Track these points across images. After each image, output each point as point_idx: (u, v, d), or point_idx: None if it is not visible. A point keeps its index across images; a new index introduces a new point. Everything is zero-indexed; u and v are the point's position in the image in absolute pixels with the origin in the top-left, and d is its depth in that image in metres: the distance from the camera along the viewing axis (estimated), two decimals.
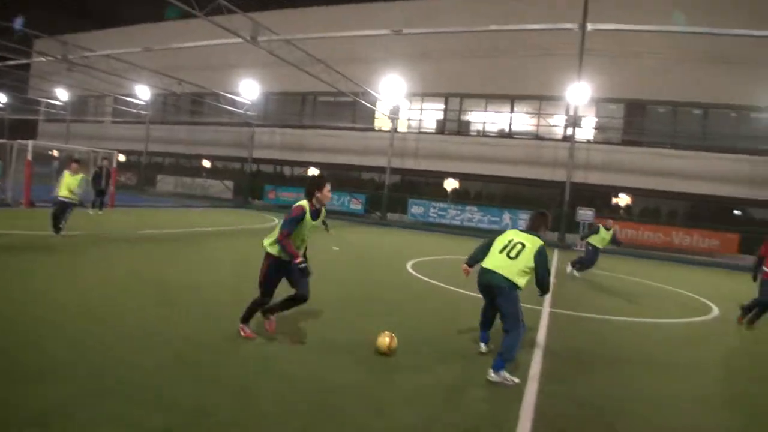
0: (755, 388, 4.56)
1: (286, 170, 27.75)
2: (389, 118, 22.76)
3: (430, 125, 24.45)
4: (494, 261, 4.25)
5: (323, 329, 4.83)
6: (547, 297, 7.16)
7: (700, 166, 20.07)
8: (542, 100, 22.15)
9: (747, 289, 7.67)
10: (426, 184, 24.11)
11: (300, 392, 3.32)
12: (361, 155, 24.02)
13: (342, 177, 25.02)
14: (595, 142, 21.88)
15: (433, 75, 22.76)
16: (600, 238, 10.16)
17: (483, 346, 4.58)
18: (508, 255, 4.18)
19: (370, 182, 24.68)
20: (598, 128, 22.34)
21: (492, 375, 3.85)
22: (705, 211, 20.73)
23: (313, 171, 25.88)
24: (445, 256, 11.97)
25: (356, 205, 23.23)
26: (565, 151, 20.54)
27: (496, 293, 4.14)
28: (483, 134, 23.34)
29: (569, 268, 10.60)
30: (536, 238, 4.27)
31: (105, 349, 3.67)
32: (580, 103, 19.64)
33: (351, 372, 3.80)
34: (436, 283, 8.16)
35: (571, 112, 20.33)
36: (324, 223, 4.95)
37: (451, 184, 23.47)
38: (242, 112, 25.73)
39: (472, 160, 22.42)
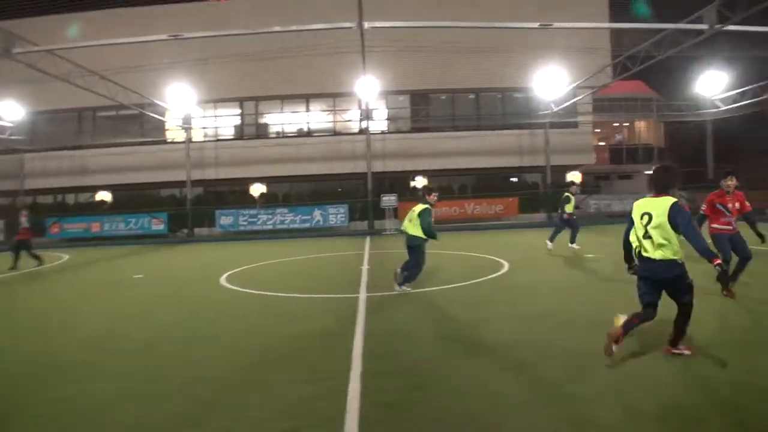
0: (554, 306, 6.75)
1: (69, 198, 28.84)
2: (182, 128, 25.67)
3: (228, 132, 27.99)
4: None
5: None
6: (363, 282, 9.49)
7: (477, 143, 26.89)
8: (336, 96, 27.08)
9: (531, 241, 11.22)
10: (231, 193, 27.39)
11: None
12: (156, 171, 26.25)
13: (137, 197, 26.96)
14: (389, 132, 27.40)
15: (224, 79, 25.98)
16: (572, 206, 13.05)
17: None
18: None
19: (171, 198, 27.00)
20: (390, 119, 28.07)
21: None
22: (488, 182, 27.82)
23: (103, 195, 27.54)
24: (261, 263, 13.31)
25: (158, 225, 25.55)
26: (362, 144, 25.68)
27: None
28: (283, 135, 27.57)
29: (550, 245, 13.00)
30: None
31: None
32: (370, 97, 24.97)
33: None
34: (252, 291, 9.17)
35: (364, 107, 25.73)
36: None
37: (258, 189, 27.20)
38: (4, 137, 26.13)
39: (275, 163, 26.17)
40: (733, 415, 3.56)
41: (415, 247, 8.36)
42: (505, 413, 3.71)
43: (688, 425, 3.44)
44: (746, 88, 24.78)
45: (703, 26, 14.80)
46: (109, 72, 21.43)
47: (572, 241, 13.01)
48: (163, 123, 24.91)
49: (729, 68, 25.06)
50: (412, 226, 8.28)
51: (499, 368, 4.67)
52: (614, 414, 3.60)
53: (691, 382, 4.14)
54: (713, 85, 25.05)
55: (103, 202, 27.37)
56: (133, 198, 27.00)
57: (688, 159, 37.09)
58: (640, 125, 37.84)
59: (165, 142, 26.31)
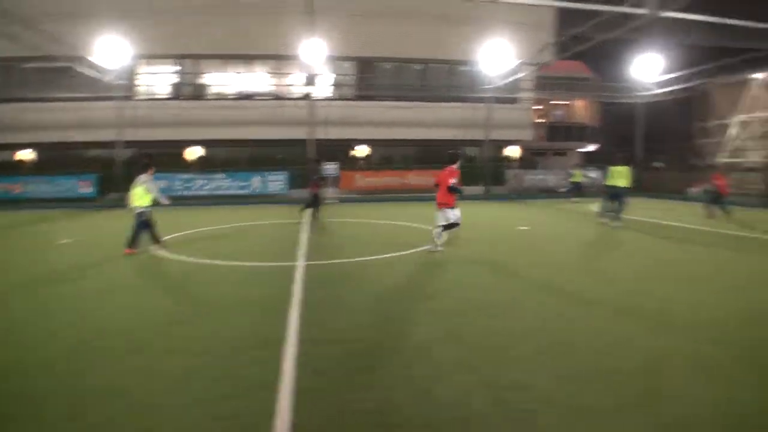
0: (466, 278, 7.27)
1: None
2: (115, 84, 24.17)
3: (164, 90, 26.74)
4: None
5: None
6: (301, 251, 9.51)
7: (422, 115, 26.87)
8: (279, 59, 26.35)
9: (467, 213, 11.53)
10: (166, 155, 26.40)
11: None
12: (85, 129, 24.71)
13: (62, 157, 25.45)
14: (332, 99, 26.97)
15: (163, 35, 24.36)
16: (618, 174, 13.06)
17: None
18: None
19: (100, 160, 25.75)
20: (334, 85, 27.72)
21: None
22: (431, 154, 28.02)
23: (26, 154, 25.83)
24: (196, 230, 12.88)
25: (86, 188, 24.33)
26: (305, 110, 25.29)
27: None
28: (222, 97, 26.73)
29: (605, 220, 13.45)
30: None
31: None
32: (315, 62, 24.43)
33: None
34: (186, 259, 8.91)
35: (308, 71, 25.16)
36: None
37: (194, 153, 26.36)
38: None
39: (213, 126, 25.14)
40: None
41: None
42: (439, 376, 3.83)
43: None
44: (677, 74, 25.94)
45: (644, 11, 15.29)
46: (34, 19, 19.87)
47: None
48: (94, 79, 23.30)
49: (664, 54, 26.11)
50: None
51: (436, 335, 4.77)
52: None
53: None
54: (648, 69, 26.07)
55: (25, 161, 25.72)
56: (58, 158, 25.42)
57: (620, 139, 38.70)
58: (577, 104, 39.04)
59: (97, 99, 24.67)
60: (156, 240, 9.67)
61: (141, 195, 9.33)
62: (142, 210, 9.37)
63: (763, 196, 20.49)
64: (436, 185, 9.30)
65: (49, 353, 4.40)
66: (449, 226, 9.30)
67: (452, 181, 8.96)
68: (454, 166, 9.16)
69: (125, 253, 9.26)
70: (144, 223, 9.46)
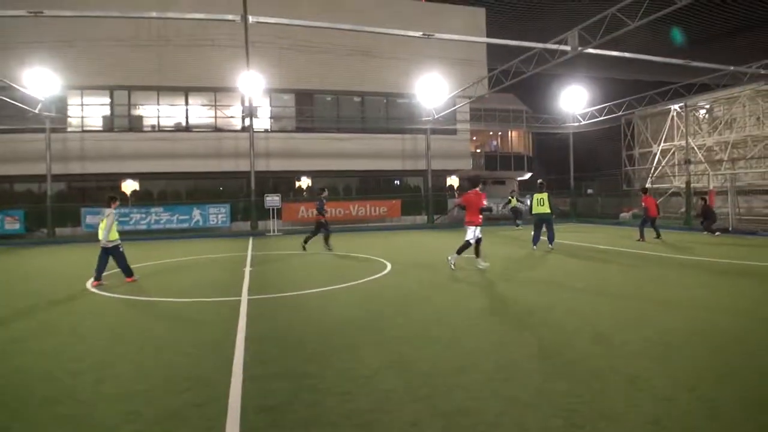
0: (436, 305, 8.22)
1: None
2: (43, 116, 23.18)
3: (96, 122, 25.90)
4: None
5: None
6: (245, 285, 9.36)
7: (362, 146, 27.26)
8: (217, 91, 26.13)
9: (412, 242, 11.70)
10: (99, 189, 25.42)
11: None
12: (11, 163, 23.69)
13: None
14: (273, 131, 26.98)
15: (93, 65, 23.86)
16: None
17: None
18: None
19: (27, 194, 24.53)
20: (274, 117, 27.62)
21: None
22: (372, 184, 28.39)
23: None
24: (134, 266, 11.50)
25: (12, 224, 23.04)
26: (245, 142, 24.91)
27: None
28: (158, 129, 26.12)
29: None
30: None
31: None
32: (254, 94, 24.35)
33: None
34: (123, 296, 8.63)
35: (247, 103, 25.04)
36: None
37: (130, 186, 25.54)
38: None
39: (150, 158, 24.49)
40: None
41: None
42: (389, 409, 3.83)
43: None
44: (603, 105, 27.56)
45: (566, 47, 16.27)
46: None
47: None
48: (19, 109, 22.26)
49: (589, 87, 27.77)
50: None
51: (385, 366, 4.79)
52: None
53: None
54: (575, 101, 27.61)
55: None
56: None
57: (553, 167, 40.49)
58: (512, 135, 40.63)
59: (22, 130, 23.57)
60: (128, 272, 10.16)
61: (111, 228, 9.69)
62: (115, 243, 9.74)
63: (685, 219, 21.89)
64: (462, 207, 10.73)
65: None
66: (463, 247, 10.53)
67: (484, 203, 10.45)
68: (479, 189, 10.58)
69: (126, 282, 9.88)
70: (113, 254, 9.82)
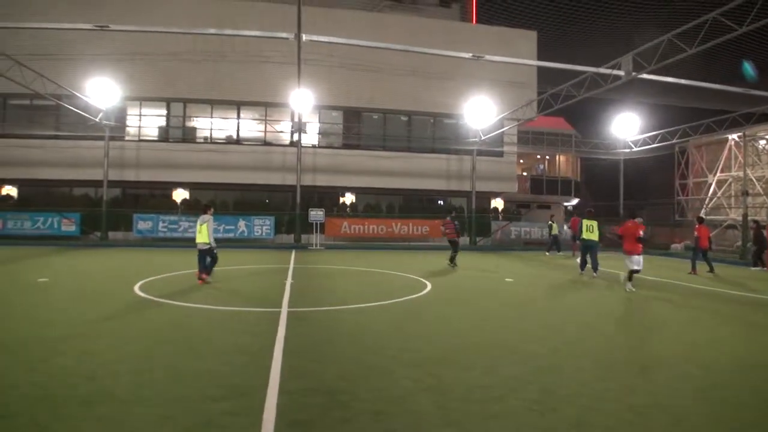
0: (468, 326, 8.24)
1: None
2: (103, 124, 24.26)
3: (152, 132, 26.93)
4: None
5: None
6: (286, 297, 9.44)
7: (407, 165, 27.35)
8: (268, 106, 26.81)
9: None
10: (152, 197, 26.31)
11: None
12: (71, 168, 24.74)
13: (47, 195, 25.31)
14: (320, 146, 27.44)
15: (151, 78, 24.78)
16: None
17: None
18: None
19: (84, 198, 25.58)
20: (322, 133, 28.12)
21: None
22: (416, 203, 28.32)
23: (8, 190, 25.54)
24: (180, 272, 12.57)
25: (69, 226, 24.04)
26: (293, 156, 25.40)
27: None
28: (211, 141, 26.97)
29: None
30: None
31: None
32: (303, 109, 24.87)
33: None
34: (168, 302, 8.80)
35: (296, 119, 25.56)
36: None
37: (180, 195, 26.32)
38: None
39: (201, 168, 25.31)
40: None
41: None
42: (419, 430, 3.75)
43: None
44: (656, 132, 26.80)
45: (620, 72, 15.94)
46: (23, 57, 20.06)
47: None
48: (81, 117, 23.39)
49: (641, 112, 27.10)
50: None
51: (419, 388, 4.72)
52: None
53: None
54: (627, 126, 26.96)
55: (9, 197, 25.41)
56: (41, 195, 25.18)
57: (601, 194, 39.51)
58: (560, 159, 39.91)
59: (84, 137, 24.72)
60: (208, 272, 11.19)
61: (204, 232, 10.86)
62: (208, 245, 10.86)
63: (741, 253, 20.89)
64: (620, 236, 11.59)
65: (9, 399, 4.23)
66: (633, 273, 11.17)
67: (641, 233, 11.07)
68: (637, 220, 11.40)
69: (203, 278, 10.98)
70: (211, 255, 11.02)
